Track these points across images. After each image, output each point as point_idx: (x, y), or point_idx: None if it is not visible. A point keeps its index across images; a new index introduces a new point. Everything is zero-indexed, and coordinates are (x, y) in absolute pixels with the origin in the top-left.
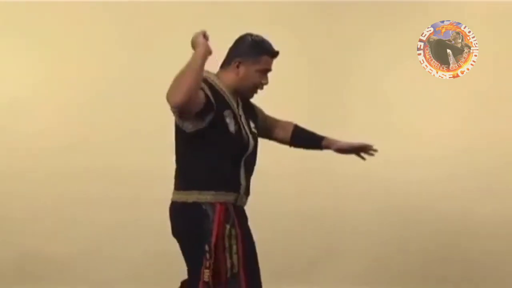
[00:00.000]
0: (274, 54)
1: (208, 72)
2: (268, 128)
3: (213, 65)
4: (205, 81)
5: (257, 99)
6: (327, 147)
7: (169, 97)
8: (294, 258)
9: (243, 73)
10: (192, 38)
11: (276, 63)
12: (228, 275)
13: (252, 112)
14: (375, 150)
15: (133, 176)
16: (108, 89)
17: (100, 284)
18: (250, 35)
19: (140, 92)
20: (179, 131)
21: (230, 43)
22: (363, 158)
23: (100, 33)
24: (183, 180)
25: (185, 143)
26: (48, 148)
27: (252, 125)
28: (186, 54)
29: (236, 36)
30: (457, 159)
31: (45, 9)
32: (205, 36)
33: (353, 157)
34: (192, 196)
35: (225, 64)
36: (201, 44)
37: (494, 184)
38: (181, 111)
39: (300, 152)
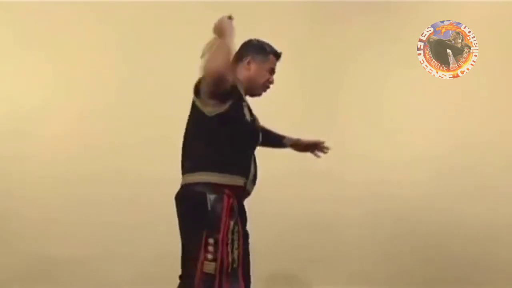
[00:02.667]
0: (279, 55)
1: None
2: None
3: None
4: None
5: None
6: (286, 144)
7: (210, 66)
8: (291, 259)
9: (253, 71)
10: (217, 24)
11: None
12: (229, 269)
13: None
14: (327, 148)
15: (145, 179)
16: (122, 95)
17: (112, 285)
18: (255, 39)
19: (154, 97)
20: (197, 116)
21: None
22: (317, 155)
23: (112, 42)
24: (193, 162)
25: (202, 126)
26: (62, 153)
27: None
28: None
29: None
30: (456, 159)
31: (59, 18)
32: (230, 18)
33: (348, 161)
34: (200, 177)
35: (236, 61)
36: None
37: (497, 185)
38: (218, 82)
39: (297, 157)
